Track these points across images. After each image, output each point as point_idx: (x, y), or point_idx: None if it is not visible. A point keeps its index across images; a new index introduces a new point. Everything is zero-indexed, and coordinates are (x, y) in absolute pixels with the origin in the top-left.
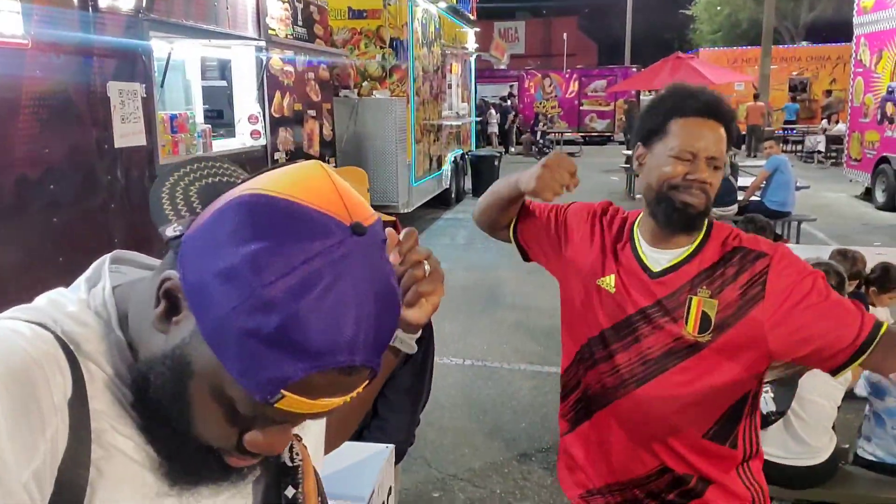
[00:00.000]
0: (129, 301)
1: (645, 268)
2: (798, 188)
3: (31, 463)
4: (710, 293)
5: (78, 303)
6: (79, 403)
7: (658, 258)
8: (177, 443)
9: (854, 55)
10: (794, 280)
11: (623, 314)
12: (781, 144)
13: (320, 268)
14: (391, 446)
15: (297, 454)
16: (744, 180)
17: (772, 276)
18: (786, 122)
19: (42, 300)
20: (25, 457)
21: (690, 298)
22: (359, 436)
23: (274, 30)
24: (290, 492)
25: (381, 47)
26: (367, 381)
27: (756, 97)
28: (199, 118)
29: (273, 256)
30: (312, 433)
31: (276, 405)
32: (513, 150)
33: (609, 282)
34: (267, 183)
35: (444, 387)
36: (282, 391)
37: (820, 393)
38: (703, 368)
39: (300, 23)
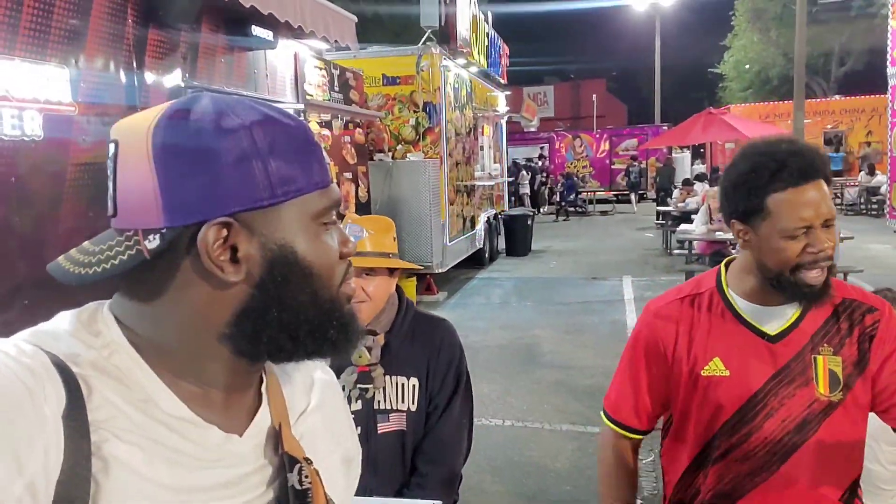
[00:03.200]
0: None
1: (759, 332)
2: (842, 239)
3: (22, 475)
4: (832, 350)
5: (78, 323)
6: (75, 415)
7: (768, 318)
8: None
9: (890, 105)
10: None
11: (748, 392)
12: None
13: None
14: (438, 503)
15: (307, 477)
16: None
17: (881, 329)
18: (834, 174)
19: (45, 324)
20: (15, 469)
21: (815, 358)
22: (397, 496)
23: (311, 95)
24: None
25: (415, 111)
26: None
27: None
28: None
29: (227, 116)
30: (333, 468)
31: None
32: (544, 210)
33: (716, 366)
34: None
35: (484, 448)
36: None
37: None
38: (840, 430)
39: (337, 88)
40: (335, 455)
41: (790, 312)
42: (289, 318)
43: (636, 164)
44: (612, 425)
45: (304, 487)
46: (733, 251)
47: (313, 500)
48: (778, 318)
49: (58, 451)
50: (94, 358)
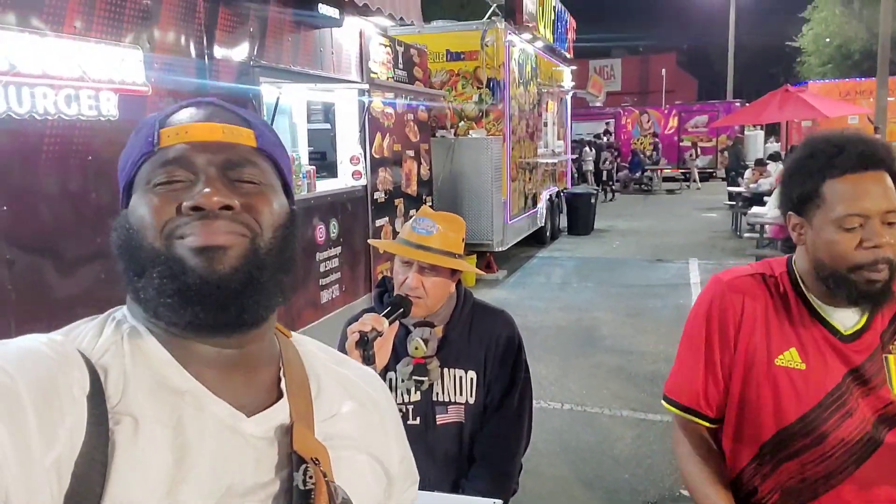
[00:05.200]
0: None
1: (833, 330)
2: None
3: (52, 450)
4: None
5: (98, 319)
6: (97, 401)
7: (841, 317)
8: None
9: None
10: None
11: (824, 390)
12: None
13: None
14: (499, 502)
15: (311, 478)
16: None
17: None
18: None
19: (71, 325)
20: (47, 443)
21: (886, 357)
22: (455, 486)
23: (376, 73)
24: None
25: (479, 88)
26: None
27: (876, 130)
28: (305, 160)
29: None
30: (356, 476)
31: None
32: (615, 186)
33: (792, 357)
34: None
35: (541, 432)
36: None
37: None
38: None
39: (401, 66)
40: (364, 465)
41: (861, 312)
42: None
43: (599, 140)
44: (679, 411)
45: (307, 488)
46: None
47: (315, 501)
48: (850, 318)
49: (81, 430)
50: (107, 344)
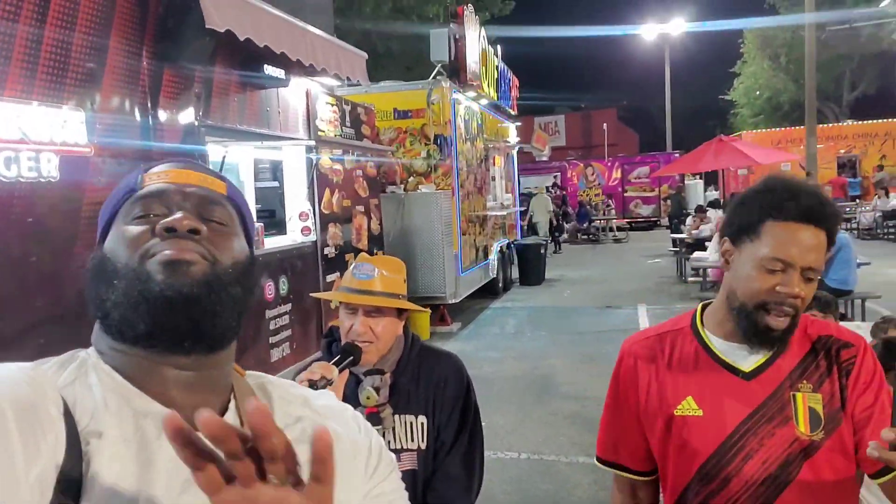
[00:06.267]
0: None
1: (733, 369)
2: (859, 265)
3: (35, 465)
4: (811, 387)
5: (61, 357)
6: (69, 421)
7: (743, 354)
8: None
9: None
10: (874, 373)
11: (723, 433)
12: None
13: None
14: None
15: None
16: None
17: (857, 365)
18: (851, 198)
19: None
20: (31, 459)
21: (794, 395)
22: None
23: (323, 131)
24: None
25: (426, 144)
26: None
27: (808, 175)
28: (253, 217)
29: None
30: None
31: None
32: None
33: (689, 405)
34: None
35: (499, 482)
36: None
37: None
38: (825, 470)
39: (348, 123)
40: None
41: (764, 349)
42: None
43: (552, 192)
44: (607, 468)
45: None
46: None
47: None
48: (753, 356)
49: (61, 445)
50: (73, 375)
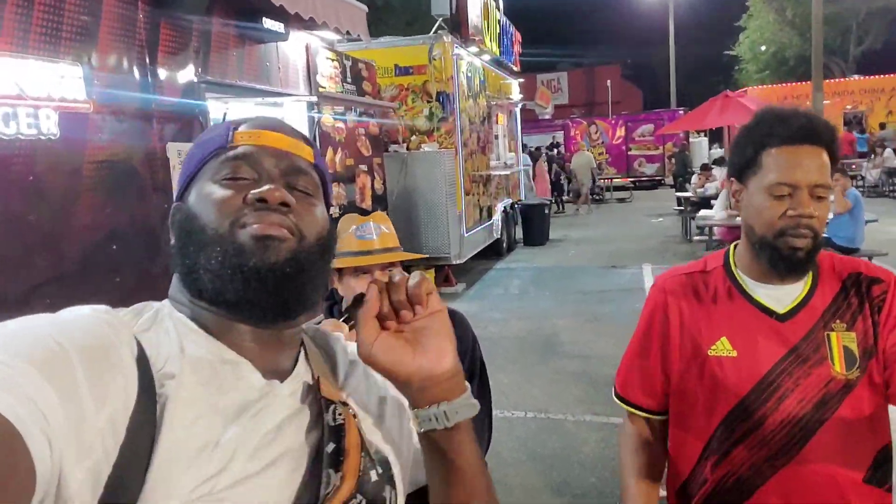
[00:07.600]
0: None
1: (767, 311)
2: (867, 222)
3: (105, 408)
4: (845, 326)
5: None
6: (143, 365)
7: (778, 296)
8: None
9: None
10: None
11: (758, 374)
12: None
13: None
14: None
15: (340, 415)
16: None
17: (889, 301)
18: (859, 154)
19: None
20: (99, 403)
21: (828, 335)
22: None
23: (324, 87)
24: (330, 447)
25: (428, 101)
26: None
27: None
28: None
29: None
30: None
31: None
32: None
33: (723, 346)
34: None
35: (506, 441)
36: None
37: None
38: (861, 407)
39: (349, 80)
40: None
41: (798, 291)
42: (191, 258)
43: (550, 152)
44: (623, 405)
45: (337, 423)
46: None
47: (346, 434)
48: (786, 297)
49: (133, 389)
50: (149, 323)
